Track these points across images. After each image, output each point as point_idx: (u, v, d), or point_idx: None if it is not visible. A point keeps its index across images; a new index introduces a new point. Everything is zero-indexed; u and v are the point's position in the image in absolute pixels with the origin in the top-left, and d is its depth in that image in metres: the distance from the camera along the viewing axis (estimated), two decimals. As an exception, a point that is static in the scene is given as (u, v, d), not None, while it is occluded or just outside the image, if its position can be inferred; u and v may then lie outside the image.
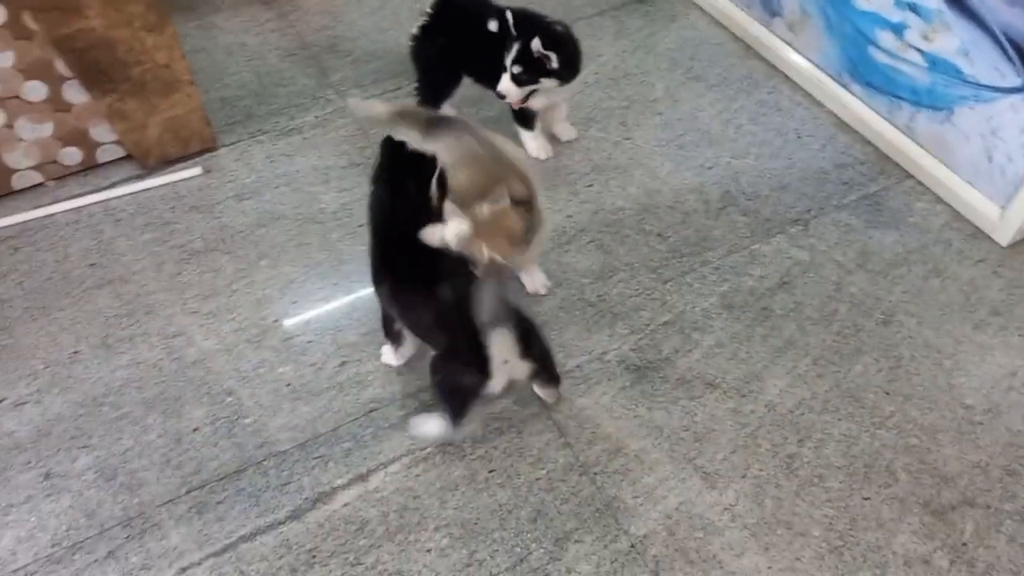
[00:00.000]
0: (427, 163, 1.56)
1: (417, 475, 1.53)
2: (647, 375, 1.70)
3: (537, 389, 1.61)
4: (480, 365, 1.35)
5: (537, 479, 1.53)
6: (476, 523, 1.46)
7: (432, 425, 1.51)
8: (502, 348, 1.34)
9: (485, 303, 1.30)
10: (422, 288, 1.42)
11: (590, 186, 2.09)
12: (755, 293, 1.85)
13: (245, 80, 2.33)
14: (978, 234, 1.99)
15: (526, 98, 1.93)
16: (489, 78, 1.94)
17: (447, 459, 1.55)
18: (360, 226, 1.95)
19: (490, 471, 1.54)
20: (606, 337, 1.76)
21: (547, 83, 1.89)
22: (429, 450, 1.56)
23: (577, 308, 1.82)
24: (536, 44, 1.79)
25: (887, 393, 1.68)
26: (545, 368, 1.54)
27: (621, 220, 2.01)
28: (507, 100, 1.92)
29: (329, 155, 2.12)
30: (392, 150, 1.57)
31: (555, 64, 1.83)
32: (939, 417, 1.64)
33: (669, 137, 2.22)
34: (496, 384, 1.38)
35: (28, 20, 1.70)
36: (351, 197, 2.02)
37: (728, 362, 1.72)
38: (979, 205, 1.99)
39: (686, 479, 1.54)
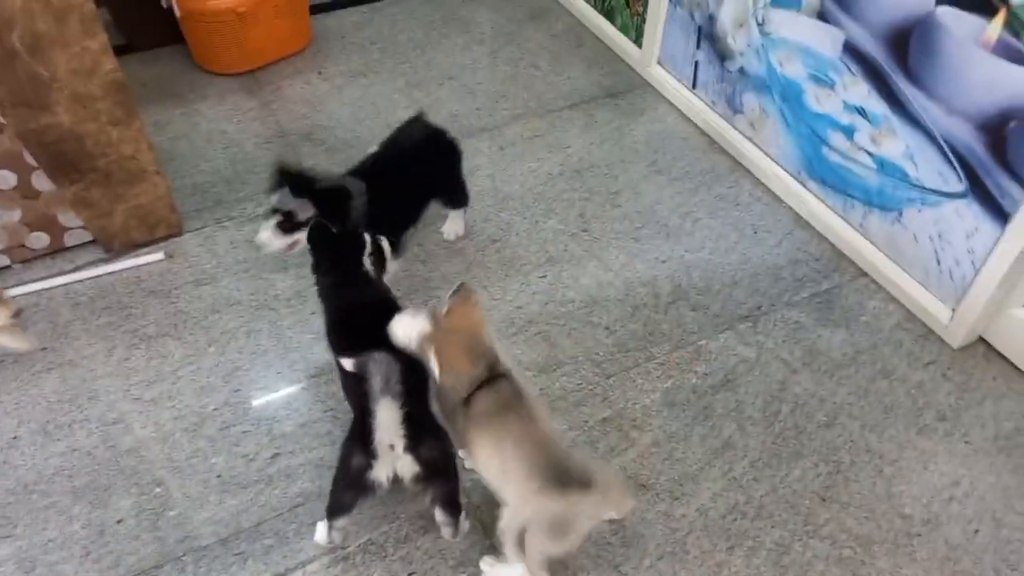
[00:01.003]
0: (357, 240, 1.62)
1: (336, 575, 1.51)
2: (580, 475, 1.68)
3: (437, 514, 1.50)
4: (365, 443, 1.32)
5: (458, 583, 1.51)
6: (389, 628, 1.44)
7: (319, 531, 1.53)
8: (387, 425, 1.30)
9: (377, 370, 1.29)
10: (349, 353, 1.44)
11: (543, 277, 2.11)
12: (698, 391, 1.85)
13: (219, 166, 2.42)
14: (929, 335, 1.97)
15: (292, 245, 1.78)
16: None
17: (367, 559, 1.54)
18: (312, 313, 1.99)
19: (410, 573, 1.52)
20: (543, 434, 1.75)
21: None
22: (350, 549, 1.55)
23: (517, 402, 1.82)
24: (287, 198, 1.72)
25: (823, 500, 1.64)
26: (439, 486, 1.43)
27: (570, 312, 2.02)
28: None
29: (290, 242, 2.18)
30: (321, 238, 1.62)
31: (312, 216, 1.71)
32: (875, 527, 1.60)
33: (626, 229, 2.25)
34: (379, 470, 1.34)
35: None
36: (306, 284, 2.06)
37: (663, 463, 1.71)
38: (930, 306, 1.99)
39: (609, 587, 1.51)
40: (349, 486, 1.41)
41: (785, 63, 2.21)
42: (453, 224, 2.21)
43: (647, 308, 2.03)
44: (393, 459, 1.35)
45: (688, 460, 1.71)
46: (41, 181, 1.96)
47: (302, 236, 1.73)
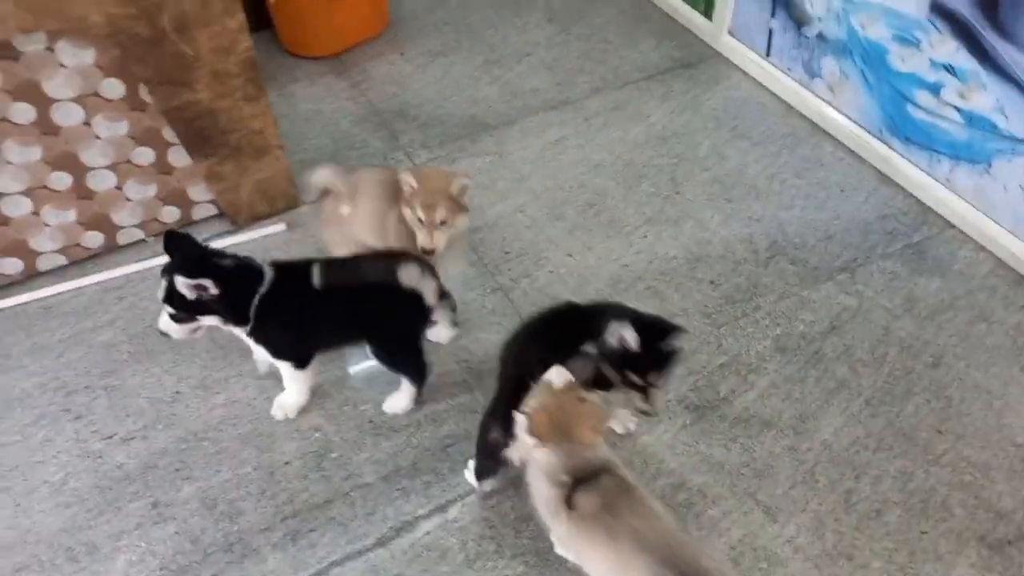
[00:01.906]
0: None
1: (492, 506, 1.63)
2: (706, 414, 1.79)
3: None
4: (504, 421, 1.38)
5: (605, 511, 1.62)
6: (549, 552, 1.55)
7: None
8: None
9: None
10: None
11: (644, 237, 2.22)
12: (806, 337, 1.95)
13: (321, 144, 2.54)
14: (1022, 281, 2.06)
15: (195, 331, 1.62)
16: None
17: (520, 492, 1.65)
18: (430, 276, 2.10)
19: (561, 503, 1.63)
20: (665, 378, 1.86)
21: (210, 320, 1.57)
22: (503, 484, 1.66)
23: (635, 352, 1.93)
24: (181, 282, 1.46)
25: (939, 432, 1.74)
26: None
27: (675, 268, 2.13)
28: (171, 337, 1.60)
29: (400, 211, 2.29)
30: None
31: (215, 296, 1.50)
32: (991, 455, 1.70)
33: (717, 191, 2.35)
34: (514, 450, 1.41)
35: (144, 93, 1.91)
36: (421, 250, 2.18)
37: (783, 402, 1.81)
38: (1022, 254, 2.07)
39: (748, 512, 1.62)
40: (487, 457, 1.52)
41: (868, 25, 2.30)
42: (397, 398, 1.80)
43: (748, 263, 2.13)
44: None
45: (806, 400, 1.81)
46: (176, 157, 2.08)
47: (206, 320, 1.56)
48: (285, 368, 1.67)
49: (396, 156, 2.49)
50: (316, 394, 1.83)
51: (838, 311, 2.01)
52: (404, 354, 1.71)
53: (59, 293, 2.05)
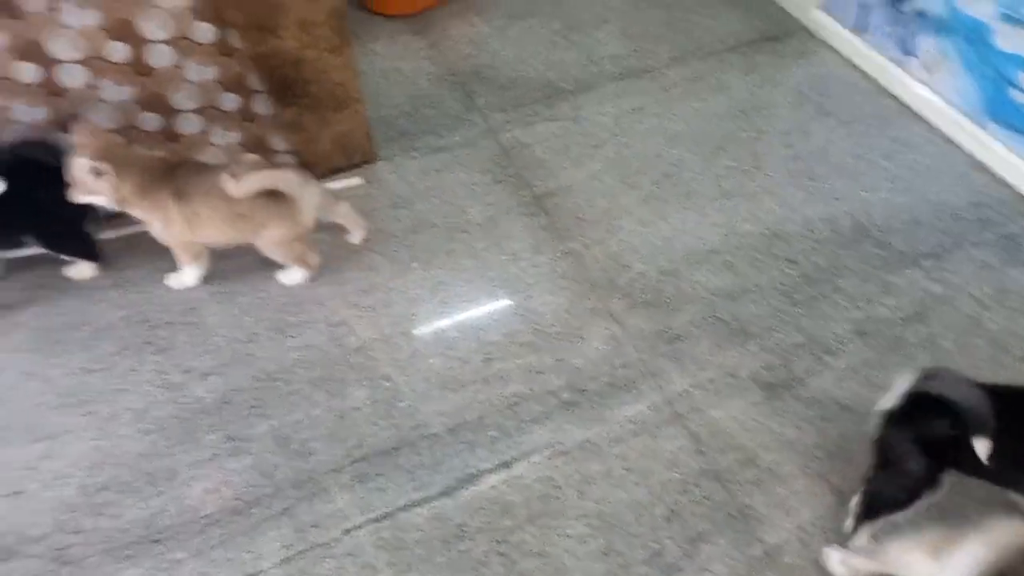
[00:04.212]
0: None
1: (557, 467, 1.63)
2: (779, 393, 1.75)
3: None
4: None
5: (671, 481, 1.61)
6: (613, 516, 1.55)
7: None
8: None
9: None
10: None
11: (720, 210, 2.17)
12: (888, 322, 1.88)
13: (398, 102, 2.54)
14: (1124, 278, 1.96)
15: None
16: None
17: (585, 454, 1.65)
18: (504, 238, 2.10)
19: (626, 468, 1.62)
20: (737, 353, 1.83)
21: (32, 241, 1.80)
22: (569, 445, 1.66)
23: (708, 324, 1.90)
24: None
25: (1026, 427, 1.67)
26: None
27: (751, 244, 2.08)
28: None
29: (475, 171, 2.29)
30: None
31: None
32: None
33: (800, 168, 2.28)
34: None
35: (234, 39, 1.94)
36: (495, 211, 2.17)
37: (861, 387, 1.76)
38: (1126, 248, 1.97)
39: (819, 494, 1.58)
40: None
41: (971, 3, 2.18)
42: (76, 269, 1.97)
43: (830, 243, 2.07)
44: None
45: (888, 385, 1.75)
46: (259, 105, 2.10)
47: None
48: None
49: (471, 117, 2.48)
50: (387, 344, 1.85)
51: (922, 297, 1.93)
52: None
53: (143, 232, 2.10)
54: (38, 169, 1.79)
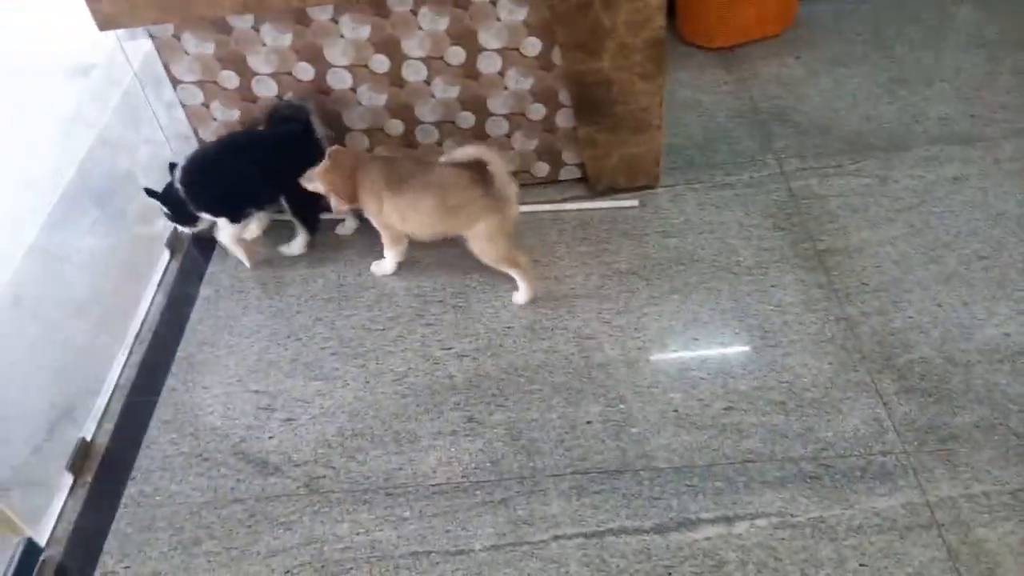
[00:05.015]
0: None
1: (783, 539, 1.52)
2: (1076, 533, 1.47)
3: None
4: None
5: (912, 594, 1.42)
6: (833, 609, 1.41)
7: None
8: None
9: None
10: None
11: (1041, 308, 1.87)
12: None
13: (692, 132, 2.53)
14: None
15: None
16: None
17: (817, 534, 1.51)
18: (772, 286, 2.00)
19: (861, 564, 1.47)
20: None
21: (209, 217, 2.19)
22: (800, 519, 1.54)
23: (998, 432, 1.64)
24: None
25: None
26: None
27: (1075, 354, 1.76)
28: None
29: (756, 214, 2.21)
30: None
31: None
32: None
33: None
34: None
35: (556, 55, 2.07)
36: (769, 258, 2.08)
37: None
38: None
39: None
40: None
41: None
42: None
43: None
44: None
45: None
46: (561, 118, 2.23)
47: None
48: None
49: (765, 158, 2.40)
50: (630, 368, 1.85)
51: None
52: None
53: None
54: (295, 138, 2.10)
